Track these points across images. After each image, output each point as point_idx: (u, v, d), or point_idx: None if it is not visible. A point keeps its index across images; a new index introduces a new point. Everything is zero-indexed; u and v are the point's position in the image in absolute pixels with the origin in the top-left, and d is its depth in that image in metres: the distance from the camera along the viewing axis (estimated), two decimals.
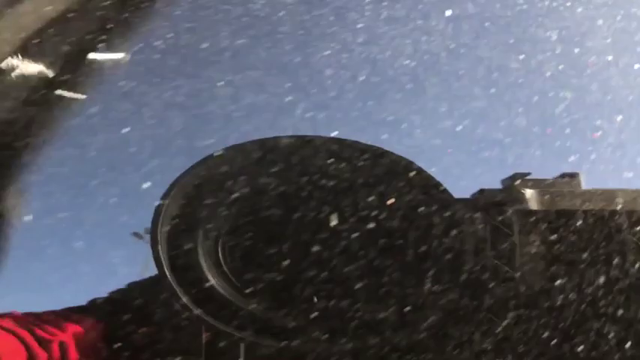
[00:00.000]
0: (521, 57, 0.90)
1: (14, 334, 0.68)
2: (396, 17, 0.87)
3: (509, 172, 0.91)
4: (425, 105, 0.90)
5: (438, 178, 0.85)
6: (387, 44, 0.86)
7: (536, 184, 0.96)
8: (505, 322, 0.87)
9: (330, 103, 0.94)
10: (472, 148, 0.91)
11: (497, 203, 0.92)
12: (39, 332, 0.71)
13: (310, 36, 0.89)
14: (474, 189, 0.87)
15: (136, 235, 1.03)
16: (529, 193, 0.94)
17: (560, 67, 0.93)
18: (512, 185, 0.94)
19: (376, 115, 0.92)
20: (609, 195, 0.95)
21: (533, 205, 0.94)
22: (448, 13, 0.85)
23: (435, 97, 0.89)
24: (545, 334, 0.86)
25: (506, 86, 0.90)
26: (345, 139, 0.90)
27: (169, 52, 0.90)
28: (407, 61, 0.85)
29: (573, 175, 0.98)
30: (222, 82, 0.90)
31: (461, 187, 0.86)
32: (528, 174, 0.95)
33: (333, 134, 0.89)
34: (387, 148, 0.87)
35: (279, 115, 0.91)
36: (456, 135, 0.89)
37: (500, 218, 0.89)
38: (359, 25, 0.87)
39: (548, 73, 0.93)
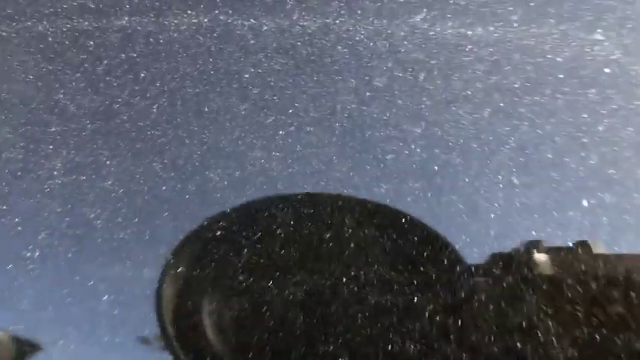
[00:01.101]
0: None
1: None
2: (531, 207, 0.85)
3: None
4: None
5: None
6: (522, 237, 0.84)
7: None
8: None
9: None
10: None
11: None
12: None
13: (439, 227, 0.86)
14: None
15: (144, 340, 1.00)
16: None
17: None
18: None
19: None
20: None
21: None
22: (585, 203, 0.83)
23: None
24: None
25: None
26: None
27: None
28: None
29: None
30: None
31: None
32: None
33: None
34: None
35: None
36: None
37: None
38: (492, 215, 0.85)
39: None
